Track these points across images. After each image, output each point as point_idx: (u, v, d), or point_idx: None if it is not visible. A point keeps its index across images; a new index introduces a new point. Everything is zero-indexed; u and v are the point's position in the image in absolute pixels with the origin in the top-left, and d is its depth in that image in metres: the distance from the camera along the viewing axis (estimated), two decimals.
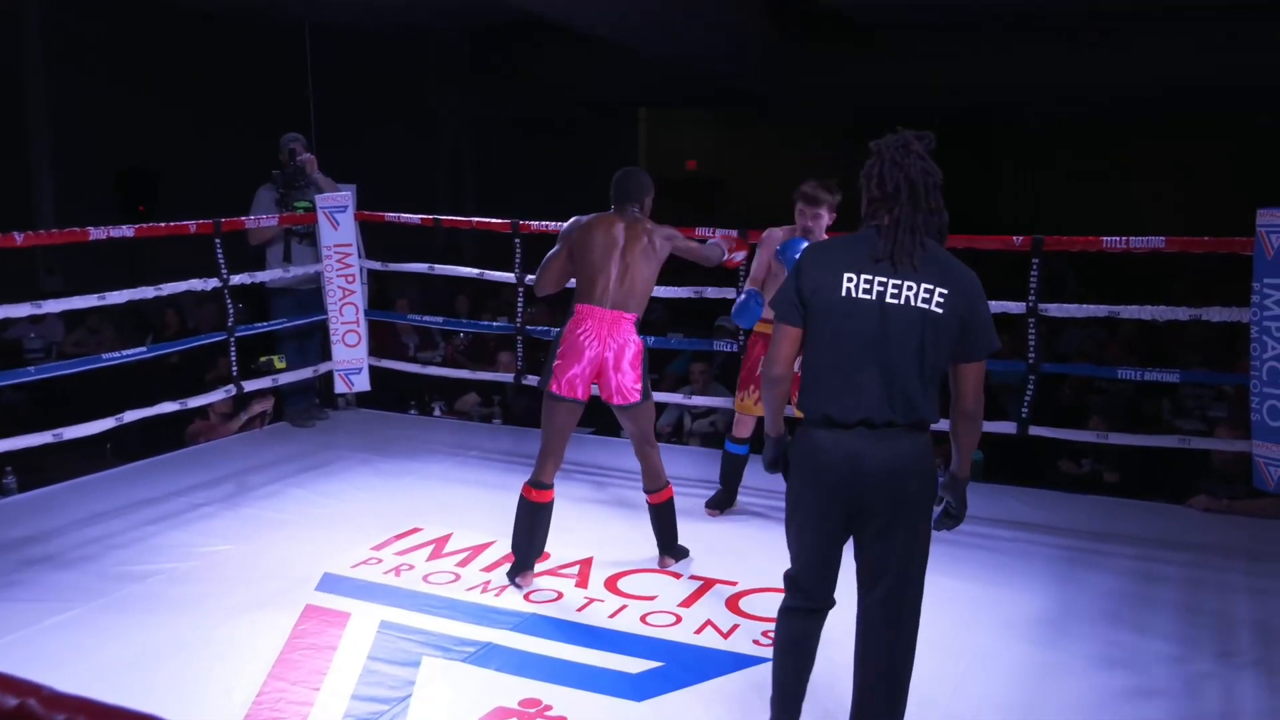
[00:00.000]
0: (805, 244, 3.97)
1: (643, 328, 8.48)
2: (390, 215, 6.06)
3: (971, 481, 5.67)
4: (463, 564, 4.13)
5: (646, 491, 4.12)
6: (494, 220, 5.84)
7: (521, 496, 3.91)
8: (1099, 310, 4.68)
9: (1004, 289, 5.21)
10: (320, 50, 10.53)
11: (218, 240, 5.32)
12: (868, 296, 2.49)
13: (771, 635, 3.48)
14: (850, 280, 2.51)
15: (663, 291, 5.55)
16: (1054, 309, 4.67)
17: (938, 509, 2.73)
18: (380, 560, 4.17)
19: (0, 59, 10.50)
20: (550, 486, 3.91)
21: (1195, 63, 10.89)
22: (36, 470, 5.28)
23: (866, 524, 2.62)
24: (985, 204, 15.42)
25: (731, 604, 3.78)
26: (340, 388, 6.07)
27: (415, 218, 6.12)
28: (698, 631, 3.57)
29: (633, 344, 3.87)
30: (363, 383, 6.07)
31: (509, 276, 5.74)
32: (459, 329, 7.83)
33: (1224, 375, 6.01)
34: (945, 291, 2.50)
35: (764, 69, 12.57)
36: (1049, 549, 4.29)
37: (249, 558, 4.21)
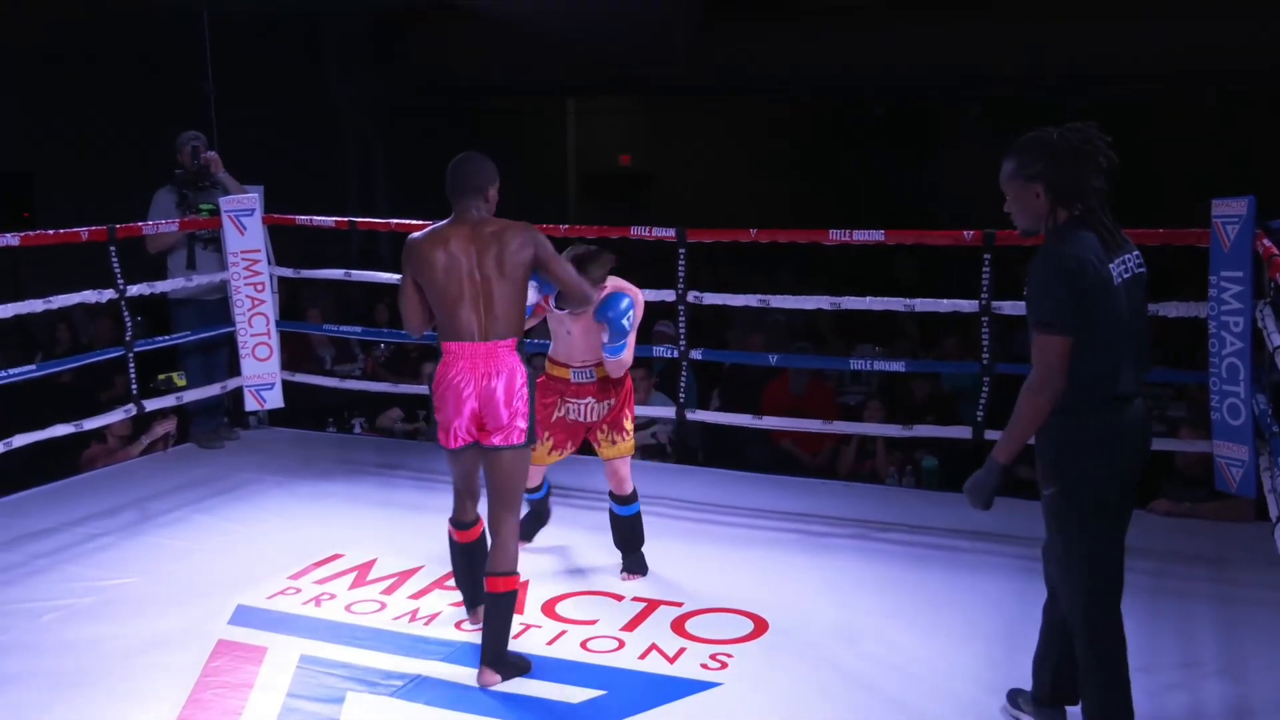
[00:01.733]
0: (627, 300, 3.94)
1: None
2: (301, 218, 5.99)
3: (925, 490, 5.76)
4: (388, 591, 4.09)
5: (491, 573, 3.42)
6: (414, 221, 5.77)
7: (450, 538, 3.75)
8: None
9: (953, 286, 5.34)
10: (215, 41, 10.36)
11: (112, 248, 5.21)
12: (1119, 279, 2.75)
13: (719, 657, 3.53)
14: (1112, 268, 2.74)
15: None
16: (1008, 306, 4.76)
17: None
18: (299, 590, 4.11)
19: None
20: (474, 522, 3.70)
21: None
22: None
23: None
24: (925, 193, 15.62)
25: (677, 626, 3.79)
26: (251, 405, 5.98)
27: (329, 220, 6.06)
28: (642, 656, 3.58)
29: (516, 373, 3.43)
30: (275, 399, 5.99)
31: None
32: (379, 339, 7.76)
33: (1183, 373, 6.17)
34: (1138, 255, 2.85)
35: (696, 55, 12.62)
36: (1008, 559, 4.36)
37: (153, 591, 4.13)
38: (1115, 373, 2.74)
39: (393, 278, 6.09)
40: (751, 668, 3.50)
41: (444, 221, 3.50)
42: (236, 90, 10.39)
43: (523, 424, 3.44)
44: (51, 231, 5.18)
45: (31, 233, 5.17)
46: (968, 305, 4.80)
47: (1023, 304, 4.19)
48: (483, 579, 3.46)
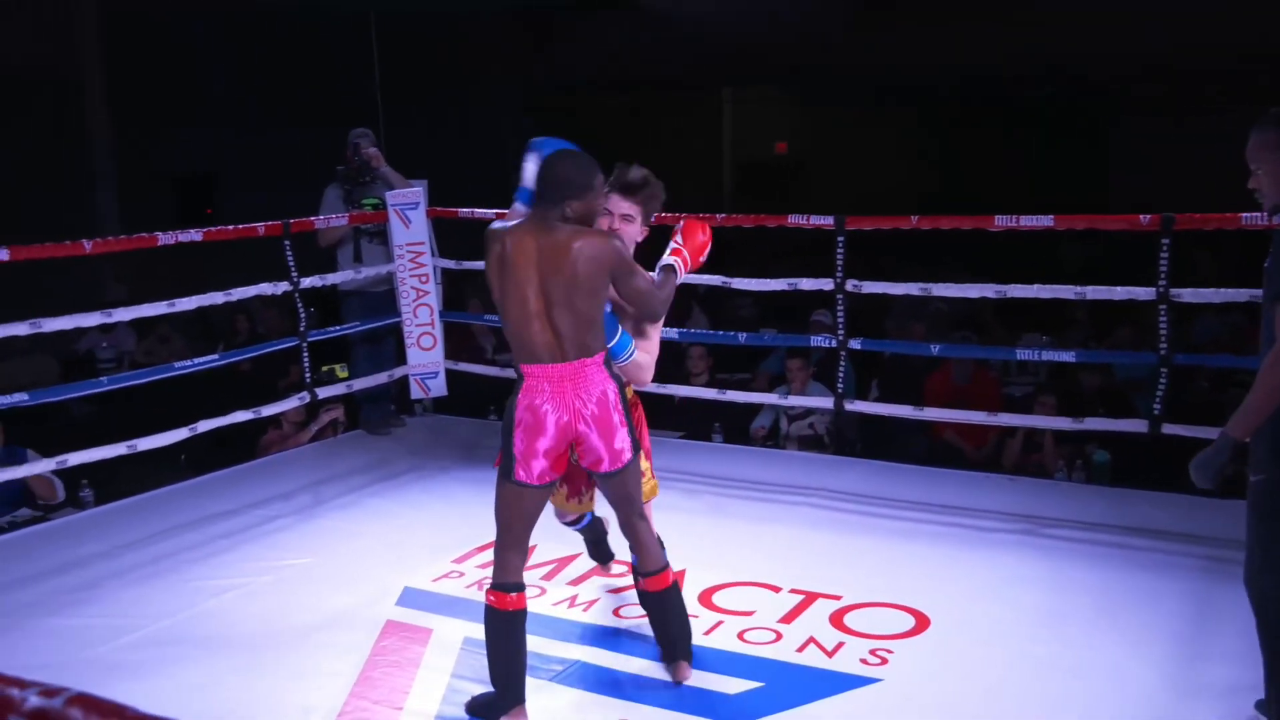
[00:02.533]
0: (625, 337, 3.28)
1: (732, 323, 8.43)
2: (464, 211, 6.13)
3: (1097, 485, 5.52)
4: (548, 577, 4.16)
5: (641, 574, 3.35)
6: None
7: (488, 608, 3.13)
8: (1239, 295, 4.52)
9: (1129, 273, 5.08)
10: (383, 42, 10.71)
11: (287, 242, 5.43)
12: None
13: (879, 653, 3.46)
14: None
15: (753, 285, 5.52)
16: (1187, 294, 4.52)
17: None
18: (462, 574, 4.21)
19: (60, 64, 10.90)
20: (523, 587, 3.17)
21: None
22: (111, 483, 5.47)
23: None
24: (1097, 180, 14.98)
25: (836, 620, 3.74)
26: (416, 393, 6.15)
27: (490, 213, 6.17)
28: (800, 649, 3.54)
29: (609, 392, 3.08)
30: (439, 388, 6.15)
31: None
32: None
33: None
34: None
35: (853, 43, 12.43)
36: (1188, 559, 4.16)
37: (326, 571, 4.30)
38: None
39: None
40: (913, 664, 3.43)
41: (523, 220, 3.13)
42: (403, 89, 10.73)
43: (626, 439, 3.11)
44: (231, 227, 5.43)
45: (213, 228, 5.43)
46: (1144, 293, 4.58)
47: (1204, 291, 4.00)
48: (524, 662, 3.14)
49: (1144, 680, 3.29)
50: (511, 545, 3.15)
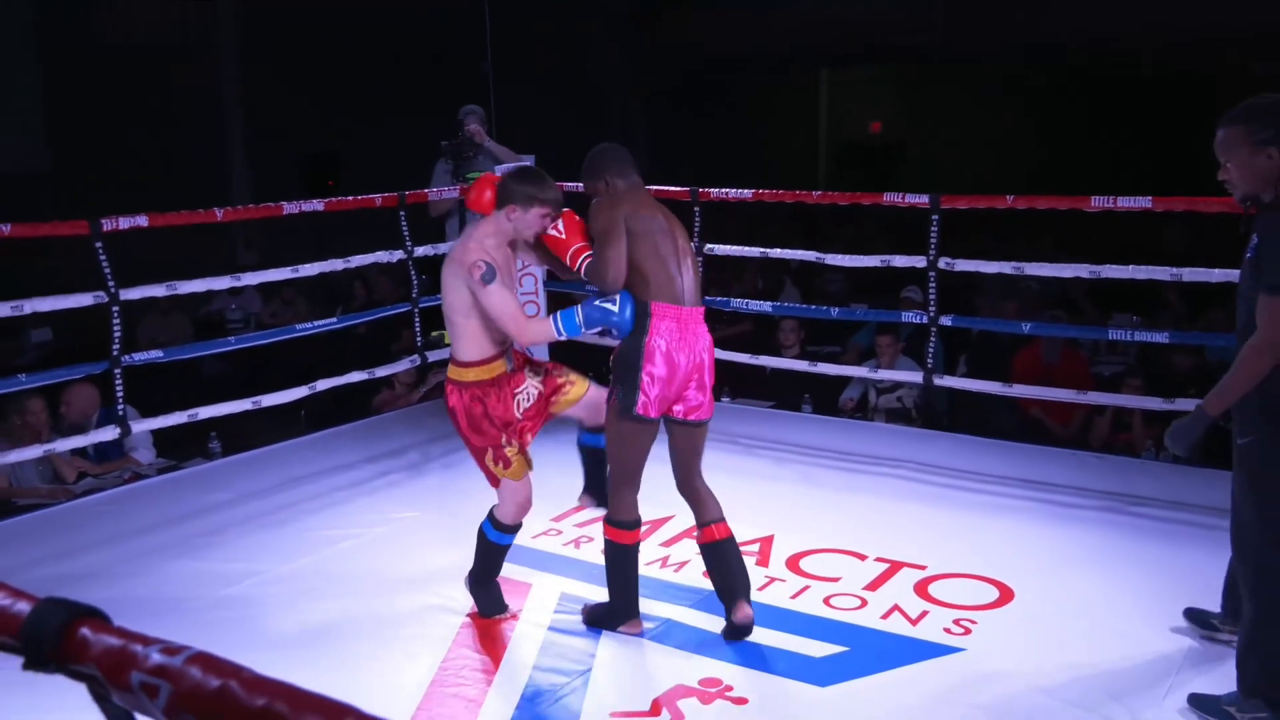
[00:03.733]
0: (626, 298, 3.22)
1: (823, 297, 8.34)
2: (569, 185, 6.11)
3: (1185, 466, 5.32)
4: (642, 537, 4.14)
5: (711, 523, 3.37)
6: (672, 188, 5.81)
7: (612, 542, 3.34)
8: None
9: (1227, 255, 4.85)
10: (496, 24, 10.73)
11: (402, 213, 5.49)
12: None
13: (963, 623, 3.38)
14: None
15: (847, 261, 5.42)
16: None
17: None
18: (560, 532, 4.23)
19: (198, 46, 11.17)
20: (640, 522, 3.36)
21: None
22: (238, 435, 5.61)
23: None
24: (1199, 159, 14.41)
25: (920, 589, 3.67)
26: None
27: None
28: (884, 616, 3.48)
29: (711, 346, 3.34)
30: (542, 353, 6.17)
31: None
32: None
33: None
34: None
35: (952, 21, 12.09)
36: None
37: (433, 526, 4.35)
38: None
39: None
40: (996, 635, 3.34)
41: (635, 185, 3.41)
42: (512, 70, 10.76)
43: (711, 397, 3.33)
44: (351, 198, 5.51)
45: (334, 199, 5.51)
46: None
47: None
48: (638, 585, 3.39)
49: (1227, 664, 3.15)
50: (627, 482, 3.30)
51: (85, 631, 0.83)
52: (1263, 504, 2.72)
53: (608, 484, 3.42)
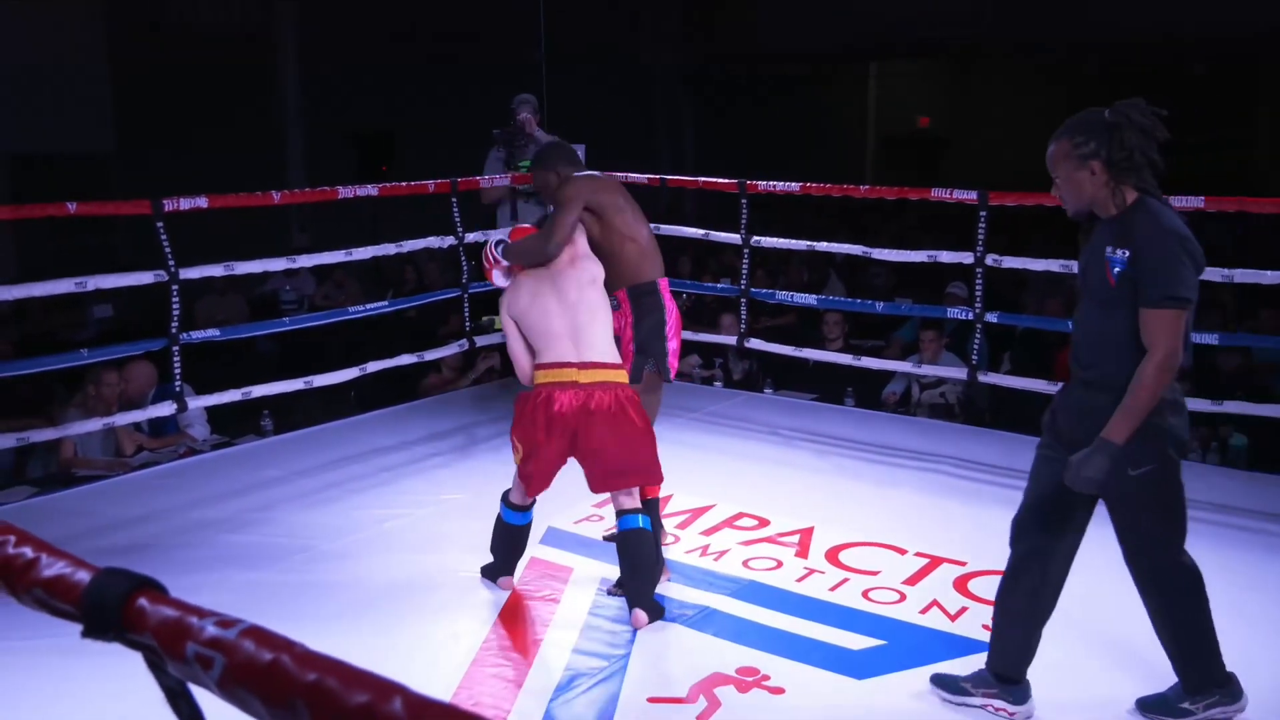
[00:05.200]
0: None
1: (868, 291, 8.27)
2: (617, 175, 6.10)
3: (1232, 469, 5.22)
4: (682, 526, 4.15)
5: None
6: (720, 180, 5.79)
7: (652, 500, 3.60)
8: None
9: (1272, 257, 4.75)
10: (550, 10, 10.73)
11: (454, 199, 5.51)
12: None
13: None
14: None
15: (893, 255, 5.36)
16: None
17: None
18: (602, 518, 4.24)
19: (255, 25, 11.28)
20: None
21: None
22: (289, 414, 5.68)
23: None
24: (1249, 158, 14.09)
25: (960, 585, 3.63)
26: None
27: (641, 177, 6.14)
28: (923, 611, 3.45)
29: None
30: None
31: (734, 237, 5.68)
32: (682, 290, 7.85)
33: None
34: None
35: (1000, 15, 11.91)
36: None
37: (478, 507, 4.37)
38: (1189, 343, 2.59)
39: (695, 232, 6.12)
40: None
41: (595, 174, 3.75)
42: (564, 57, 10.75)
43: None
44: (404, 184, 5.54)
45: (387, 184, 5.54)
46: None
47: None
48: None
49: (1273, 667, 3.10)
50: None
51: (143, 602, 0.84)
52: (1154, 529, 2.67)
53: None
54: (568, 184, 3.56)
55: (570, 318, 3.35)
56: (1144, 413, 2.53)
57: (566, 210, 3.47)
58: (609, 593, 3.54)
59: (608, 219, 3.55)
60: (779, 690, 3.00)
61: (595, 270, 3.45)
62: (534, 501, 3.54)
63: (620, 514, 3.40)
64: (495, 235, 3.92)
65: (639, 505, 3.40)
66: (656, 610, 3.37)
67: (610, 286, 3.52)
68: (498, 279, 3.57)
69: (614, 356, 3.38)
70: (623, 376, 3.38)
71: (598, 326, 3.37)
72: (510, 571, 3.62)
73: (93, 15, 10.33)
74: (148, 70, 10.17)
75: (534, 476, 3.39)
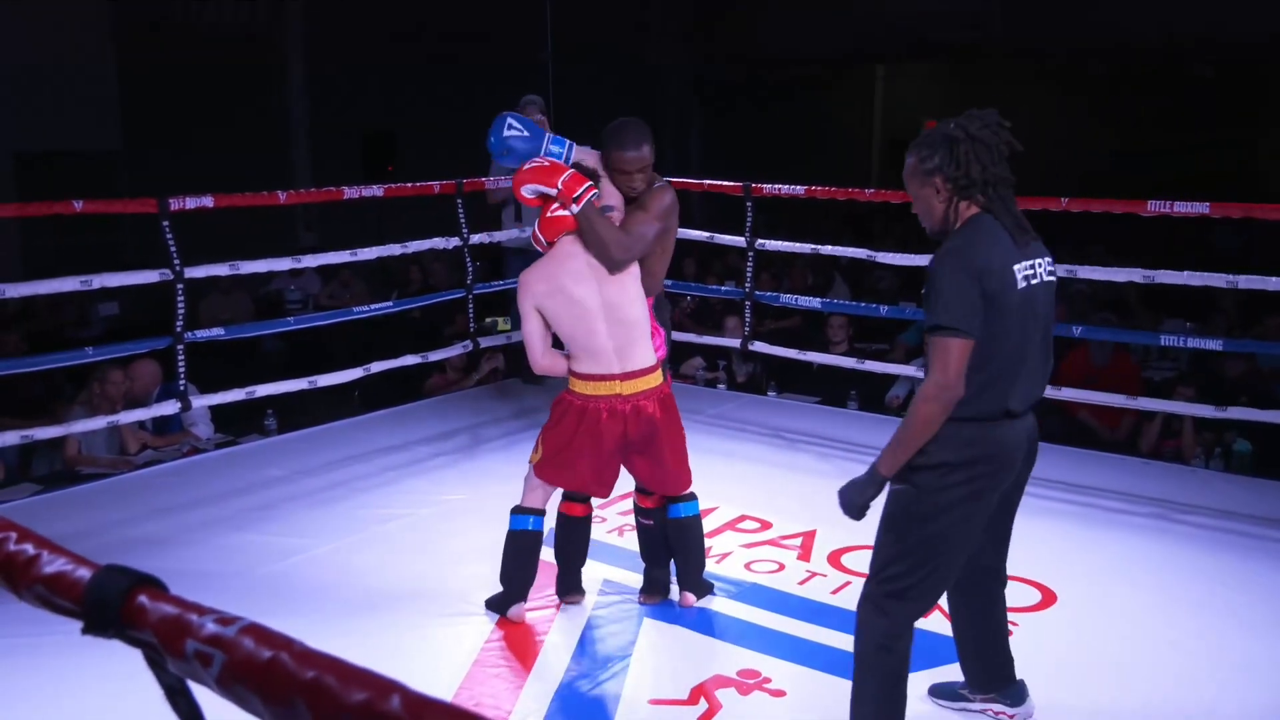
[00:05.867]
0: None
1: (872, 295, 8.27)
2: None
3: (1236, 475, 5.21)
4: None
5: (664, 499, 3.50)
6: (725, 183, 5.80)
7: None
8: None
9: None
10: (556, 12, 10.74)
11: (459, 200, 5.52)
12: (1025, 284, 2.43)
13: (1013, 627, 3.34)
14: (1017, 270, 2.41)
15: (898, 259, 5.36)
16: None
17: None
18: (604, 519, 4.24)
19: (262, 27, 11.31)
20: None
21: None
22: (294, 413, 5.69)
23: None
24: (1258, 162, 14.06)
25: None
26: None
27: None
28: (926, 615, 3.44)
29: None
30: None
31: (739, 240, 5.68)
32: (686, 292, 7.85)
33: None
34: (1050, 259, 2.55)
35: (1007, 17, 11.90)
36: None
37: (481, 508, 4.37)
38: (1009, 385, 2.42)
39: (700, 235, 6.12)
40: (1037, 639, 3.29)
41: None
42: (570, 59, 10.76)
43: None
44: (409, 184, 5.54)
45: (393, 185, 5.55)
46: None
47: None
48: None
49: (1274, 674, 3.09)
50: None
51: (143, 599, 0.84)
52: (880, 555, 2.54)
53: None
54: (663, 192, 3.25)
55: (615, 327, 3.14)
56: (911, 445, 2.39)
57: (650, 222, 3.18)
58: (640, 602, 3.53)
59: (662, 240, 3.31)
60: (780, 693, 3.00)
61: (635, 268, 3.21)
62: (544, 511, 3.44)
63: (669, 502, 3.40)
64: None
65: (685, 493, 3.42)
66: (706, 587, 3.50)
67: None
68: (523, 224, 3.37)
69: (652, 359, 3.25)
70: (659, 377, 3.28)
71: (639, 333, 3.18)
72: (524, 597, 3.39)
73: (99, 15, 10.36)
74: (153, 69, 10.20)
75: (584, 482, 3.32)
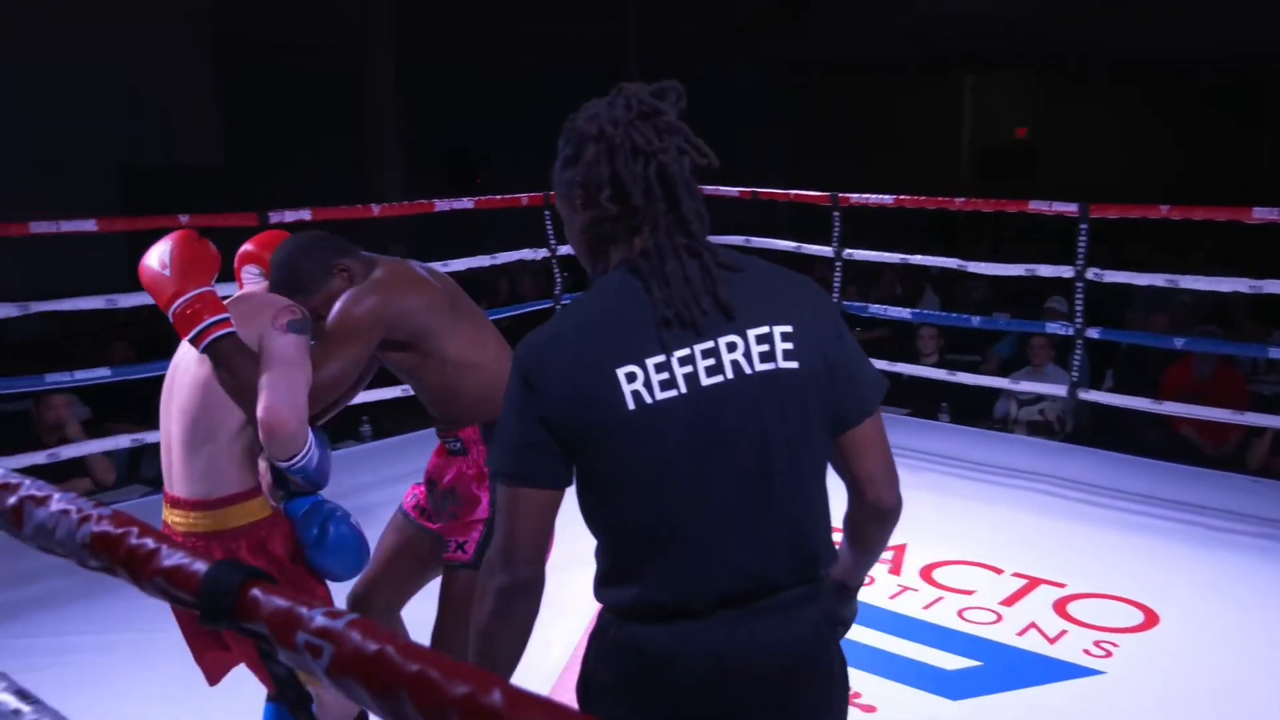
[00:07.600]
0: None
1: (964, 305, 8.12)
2: (708, 188, 6.11)
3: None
4: None
5: None
6: (812, 193, 5.77)
7: None
8: None
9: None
10: (640, 26, 10.83)
11: (547, 212, 5.58)
12: (672, 391, 1.38)
13: (1104, 645, 3.26)
14: (634, 378, 1.38)
15: (990, 269, 5.28)
16: None
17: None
18: None
19: (355, 45, 11.62)
20: None
21: None
22: (388, 420, 5.79)
23: None
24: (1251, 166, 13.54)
25: (1059, 607, 3.54)
26: None
27: (733, 190, 6.14)
28: (1020, 633, 3.37)
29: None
30: None
31: (826, 250, 5.64)
32: None
33: None
34: (788, 328, 1.44)
35: (1098, 26, 11.65)
36: None
37: (568, 514, 4.40)
38: (654, 566, 1.46)
39: (787, 245, 6.08)
40: (1138, 660, 3.21)
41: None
42: (654, 71, 10.81)
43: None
44: (499, 197, 5.63)
45: (483, 197, 5.64)
46: None
47: None
48: None
49: None
50: None
51: (256, 592, 0.87)
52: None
53: None
54: (366, 294, 2.29)
55: None
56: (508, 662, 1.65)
57: (350, 342, 2.27)
58: None
59: (430, 345, 2.40)
60: (871, 708, 2.96)
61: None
62: None
63: None
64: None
65: None
66: None
67: (450, 421, 2.53)
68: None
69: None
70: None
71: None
72: None
73: (204, 36, 10.74)
74: (254, 85, 10.54)
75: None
